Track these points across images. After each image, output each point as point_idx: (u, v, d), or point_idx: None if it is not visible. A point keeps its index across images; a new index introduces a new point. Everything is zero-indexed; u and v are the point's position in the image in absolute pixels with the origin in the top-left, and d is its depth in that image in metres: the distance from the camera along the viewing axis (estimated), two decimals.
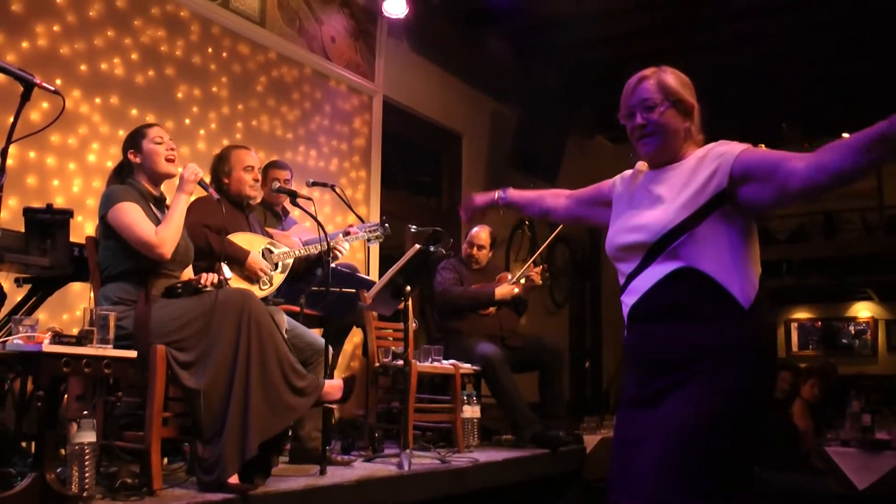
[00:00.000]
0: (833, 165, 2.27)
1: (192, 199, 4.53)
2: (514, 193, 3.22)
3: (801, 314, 16.98)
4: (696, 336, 2.44)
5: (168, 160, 3.96)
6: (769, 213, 2.51)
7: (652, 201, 2.58)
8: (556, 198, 3.10)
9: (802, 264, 14.84)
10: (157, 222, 3.84)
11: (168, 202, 4.01)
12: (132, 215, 3.76)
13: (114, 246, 3.81)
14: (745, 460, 2.43)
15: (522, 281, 6.60)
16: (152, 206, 3.90)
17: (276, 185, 5.12)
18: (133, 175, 3.96)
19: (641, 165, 2.76)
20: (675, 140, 2.62)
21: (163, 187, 4.12)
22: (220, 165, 4.78)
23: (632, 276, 2.58)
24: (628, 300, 2.60)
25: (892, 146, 2.10)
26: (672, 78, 2.67)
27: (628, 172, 2.82)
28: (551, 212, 3.10)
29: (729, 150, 2.53)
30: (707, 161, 2.54)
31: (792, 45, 9.26)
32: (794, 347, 16.83)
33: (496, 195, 3.23)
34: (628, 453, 2.50)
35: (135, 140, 3.99)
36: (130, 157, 3.96)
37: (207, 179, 4.43)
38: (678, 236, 2.47)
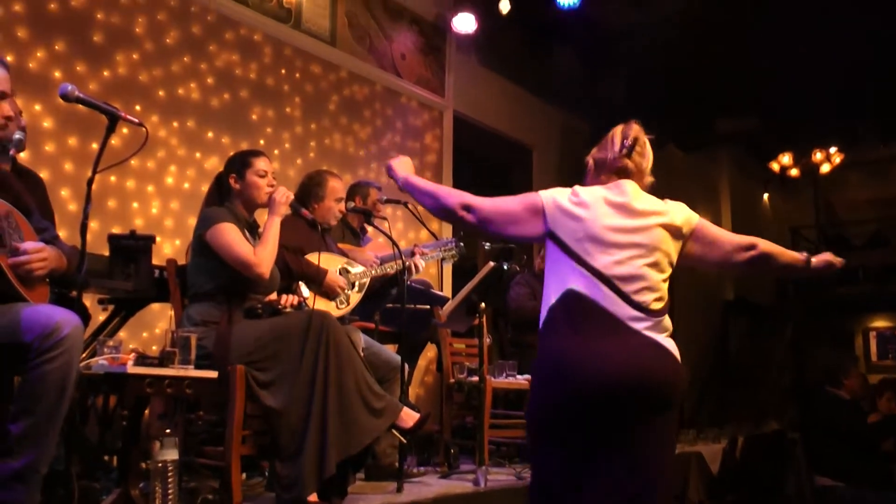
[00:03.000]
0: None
1: None
2: None
3: (880, 322, 16.52)
4: None
5: (268, 194, 4.01)
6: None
7: None
8: None
9: (881, 271, 14.48)
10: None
11: (260, 227, 4.07)
12: (232, 235, 3.81)
13: (206, 264, 3.86)
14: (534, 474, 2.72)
15: None
16: (247, 232, 3.95)
17: (352, 204, 5.17)
18: (230, 199, 4.03)
19: None
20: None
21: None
22: (314, 189, 4.81)
23: None
24: None
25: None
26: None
27: None
28: None
29: None
30: None
31: (864, 43, 9.09)
32: (873, 357, 16.36)
33: None
34: None
35: (239, 167, 4.02)
36: (231, 181, 4.00)
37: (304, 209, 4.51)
38: None
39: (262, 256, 3.82)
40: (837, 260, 2.82)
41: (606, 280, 2.61)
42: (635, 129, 2.93)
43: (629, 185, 2.78)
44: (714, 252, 2.77)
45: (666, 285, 2.70)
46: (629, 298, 2.60)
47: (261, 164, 4.01)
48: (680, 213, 2.77)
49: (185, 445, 3.79)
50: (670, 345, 2.63)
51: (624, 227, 2.67)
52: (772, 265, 2.81)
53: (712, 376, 13.15)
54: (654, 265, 2.66)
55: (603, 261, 2.63)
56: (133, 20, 5.53)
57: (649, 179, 2.92)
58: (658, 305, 2.64)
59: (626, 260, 2.63)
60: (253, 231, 4.02)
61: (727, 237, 2.79)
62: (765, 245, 2.77)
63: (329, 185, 4.84)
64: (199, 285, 3.87)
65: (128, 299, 4.34)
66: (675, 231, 2.73)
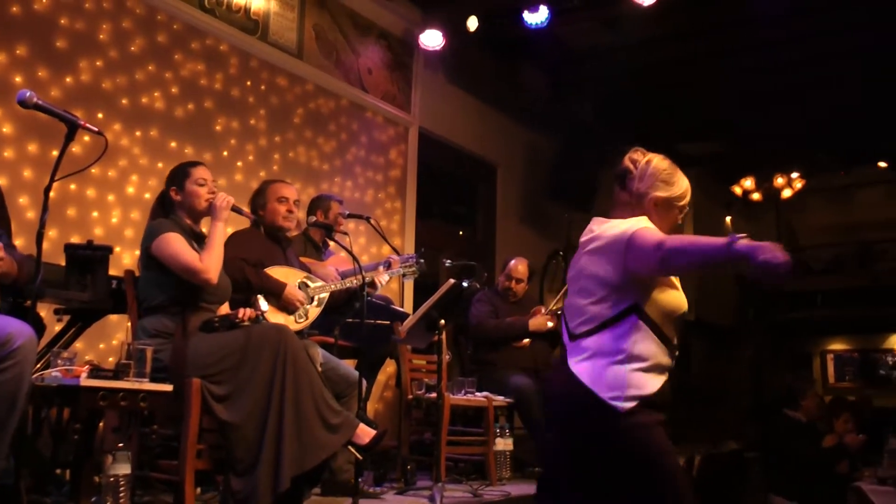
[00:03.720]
0: None
1: (230, 232, 4.59)
2: None
3: (838, 345, 16.76)
4: None
5: (209, 201, 4.01)
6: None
7: None
8: None
9: (839, 295, 14.68)
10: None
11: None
12: (176, 244, 3.81)
13: (154, 277, 3.86)
14: None
15: (559, 313, 6.58)
16: (193, 242, 3.95)
17: (313, 219, 5.16)
18: (174, 210, 4.02)
19: None
20: None
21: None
22: (257, 199, 4.85)
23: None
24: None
25: None
26: None
27: None
28: None
29: None
30: None
31: (828, 72, 9.22)
32: (831, 379, 16.58)
33: None
34: None
35: (178, 178, 4.03)
36: (172, 194, 4.02)
37: (246, 209, 4.51)
38: None
39: (209, 263, 3.82)
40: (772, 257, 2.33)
41: (565, 319, 2.91)
42: (625, 157, 2.96)
43: (589, 225, 2.92)
44: (644, 260, 2.68)
45: (599, 306, 2.73)
46: (568, 329, 2.85)
47: (199, 172, 4.03)
48: (614, 230, 2.76)
49: (139, 459, 3.75)
50: (579, 368, 2.71)
51: (570, 267, 2.93)
52: (687, 260, 2.65)
53: (672, 396, 13.22)
54: (580, 291, 2.80)
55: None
56: (97, 27, 5.48)
57: (655, 195, 2.85)
58: (582, 329, 2.77)
59: (567, 296, 2.91)
60: (200, 241, 4.02)
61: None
62: (671, 241, 2.61)
63: (269, 189, 4.85)
64: (151, 298, 3.87)
65: (84, 310, 4.30)
66: (603, 250, 2.75)
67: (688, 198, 2.90)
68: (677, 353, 2.77)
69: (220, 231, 3.98)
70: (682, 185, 2.90)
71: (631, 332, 2.70)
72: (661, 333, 2.72)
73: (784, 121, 10.64)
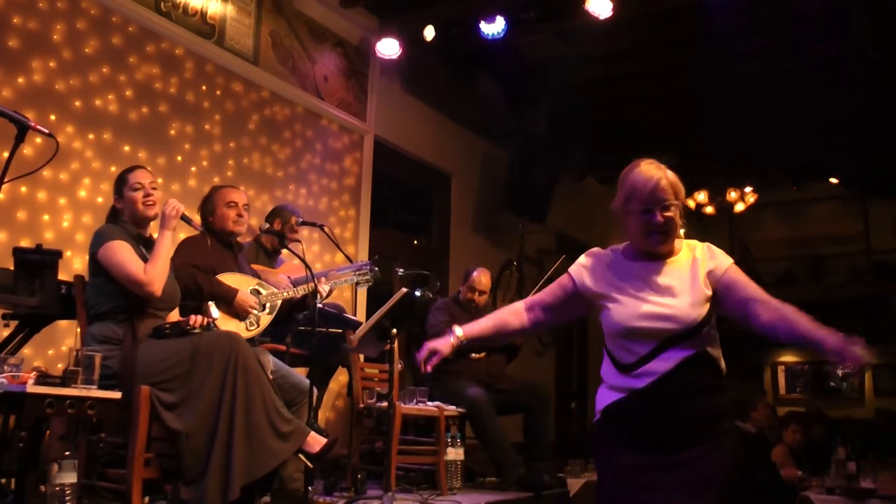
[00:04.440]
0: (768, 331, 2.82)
1: (181, 237, 4.56)
2: (470, 330, 2.95)
3: (788, 357, 16.94)
4: (715, 403, 2.83)
5: (146, 204, 3.99)
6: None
7: (663, 291, 2.80)
8: (517, 316, 2.99)
9: None
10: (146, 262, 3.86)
11: None
12: (122, 253, 3.79)
13: (102, 283, 3.84)
14: None
15: None
16: (142, 248, 3.93)
17: (266, 226, 5.14)
18: (122, 218, 4.00)
19: (611, 252, 2.95)
20: (676, 236, 2.87)
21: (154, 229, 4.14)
22: (206, 206, 4.83)
23: (647, 358, 2.76)
24: (641, 381, 2.75)
25: None
26: (677, 179, 2.87)
27: (592, 261, 2.95)
28: (519, 332, 3.06)
29: (720, 263, 2.88)
30: (701, 264, 2.86)
31: (780, 89, 9.34)
32: (782, 391, 16.76)
33: (452, 339, 2.91)
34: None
35: (119, 186, 4.05)
36: (115, 203, 4.04)
37: (197, 219, 4.48)
38: (703, 327, 2.79)
39: (153, 274, 3.81)
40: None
41: None
42: None
43: None
44: None
45: None
46: None
47: (134, 177, 4.04)
48: None
49: (86, 468, 3.70)
50: None
51: None
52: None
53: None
54: None
55: None
56: (51, 27, 5.41)
57: (612, 208, 2.96)
58: None
59: None
60: (149, 247, 4.00)
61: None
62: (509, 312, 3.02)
63: (217, 195, 4.85)
64: (99, 304, 3.84)
65: (32, 315, 4.24)
66: None
67: (639, 195, 2.83)
68: (638, 370, 2.77)
69: (167, 241, 3.96)
70: (626, 187, 2.89)
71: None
72: (610, 353, 2.85)
73: (737, 136, 10.78)
